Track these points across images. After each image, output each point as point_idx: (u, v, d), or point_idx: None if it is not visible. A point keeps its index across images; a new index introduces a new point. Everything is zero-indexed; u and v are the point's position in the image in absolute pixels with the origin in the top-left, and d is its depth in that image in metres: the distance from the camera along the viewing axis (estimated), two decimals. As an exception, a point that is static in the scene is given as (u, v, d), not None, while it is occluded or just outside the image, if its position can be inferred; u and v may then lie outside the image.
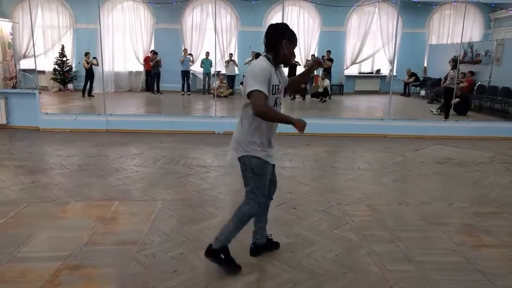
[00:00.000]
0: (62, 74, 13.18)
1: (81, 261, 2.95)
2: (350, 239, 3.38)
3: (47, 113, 8.05)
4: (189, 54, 13.15)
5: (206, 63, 13.01)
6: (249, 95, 2.52)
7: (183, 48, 13.35)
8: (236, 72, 13.41)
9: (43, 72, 12.87)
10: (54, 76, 13.13)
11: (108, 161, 5.67)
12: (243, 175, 2.78)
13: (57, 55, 13.12)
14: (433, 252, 3.20)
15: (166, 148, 6.46)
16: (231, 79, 13.20)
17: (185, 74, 13.02)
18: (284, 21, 9.03)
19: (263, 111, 2.50)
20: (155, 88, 13.07)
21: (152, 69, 12.99)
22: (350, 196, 4.42)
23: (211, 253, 2.79)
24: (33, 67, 8.80)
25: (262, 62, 2.61)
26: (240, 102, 2.72)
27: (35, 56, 8.65)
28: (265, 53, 2.68)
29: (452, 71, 8.83)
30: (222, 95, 12.25)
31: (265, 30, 2.68)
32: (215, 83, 11.75)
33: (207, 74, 13.18)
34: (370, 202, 4.24)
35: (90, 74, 11.95)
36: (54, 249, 3.13)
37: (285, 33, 2.64)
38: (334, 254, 3.12)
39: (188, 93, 13.01)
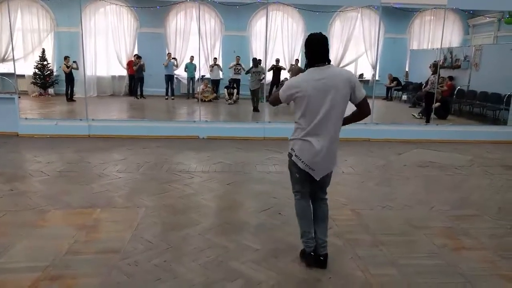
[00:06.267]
0: (43, 79, 12.95)
1: (61, 271, 2.88)
2: (334, 243, 3.40)
3: (26, 118, 7.87)
4: (173, 58, 13.07)
5: (190, 67, 12.97)
6: (365, 99, 2.86)
7: (167, 52, 13.27)
8: (221, 76, 13.40)
9: (22, 76, 12.59)
10: (34, 80, 12.88)
11: (90, 167, 5.57)
12: (328, 181, 3.09)
13: (38, 59, 12.87)
14: (416, 255, 3.25)
15: (149, 153, 6.39)
16: (215, 83, 13.18)
17: (169, 78, 12.92)
18: (268, 26, 9.15)
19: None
20: (139, 93, 12.94)
21: (136, 73, 12.85)
22: (334, 200, 4.42)
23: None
24: (12, 71, 8.60)
25: None
26: (337, 112, 2.81)
27: (14, 60, 8.46)
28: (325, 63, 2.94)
29: (432, 76, 9.01)
30: (206, 100, 12.23)
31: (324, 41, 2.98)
32: (200, 88, 11.71)
33: (191, 78, 13.14)
34: (353, 206, 4.28)
35: (70, 79, 11.74)
36: (33, 259, 3.04)
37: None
38: (318, 259, 3.12)
39: (172, 97, 12.93)
